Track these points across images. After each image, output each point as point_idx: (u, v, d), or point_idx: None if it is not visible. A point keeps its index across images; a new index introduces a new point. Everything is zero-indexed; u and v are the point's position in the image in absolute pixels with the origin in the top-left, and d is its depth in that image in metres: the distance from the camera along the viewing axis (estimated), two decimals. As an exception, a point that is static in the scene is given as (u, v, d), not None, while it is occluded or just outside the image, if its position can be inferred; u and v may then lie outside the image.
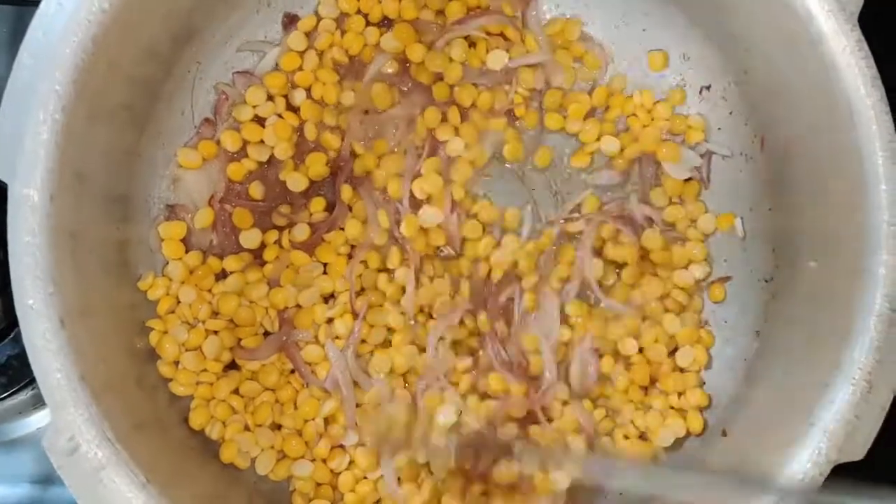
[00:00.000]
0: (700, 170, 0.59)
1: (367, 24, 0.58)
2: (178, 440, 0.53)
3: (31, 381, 0.56)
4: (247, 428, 0.55)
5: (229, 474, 0.54)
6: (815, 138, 0.51)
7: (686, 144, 0.59)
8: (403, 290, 0.56)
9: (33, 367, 0.44)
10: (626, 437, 0.56)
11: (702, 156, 0.59)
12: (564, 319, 0.57)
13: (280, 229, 0.57)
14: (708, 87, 0.59)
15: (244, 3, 0.57)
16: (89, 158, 0.48)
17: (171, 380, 0.54)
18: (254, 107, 0.57)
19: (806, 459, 0.46)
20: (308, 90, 0.58)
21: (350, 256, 0.57)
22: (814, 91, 0.49)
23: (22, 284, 0.44)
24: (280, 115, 0.57)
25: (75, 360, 0.45)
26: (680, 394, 0.57)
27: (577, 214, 0.59)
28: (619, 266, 0.58)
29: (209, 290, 0.55)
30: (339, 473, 0.55)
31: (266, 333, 0.56)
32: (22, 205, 0.45)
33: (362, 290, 0.57)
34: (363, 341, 0.56)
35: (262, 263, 0.57)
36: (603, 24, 0.60)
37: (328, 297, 0.57)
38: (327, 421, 0.55)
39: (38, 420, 0.60)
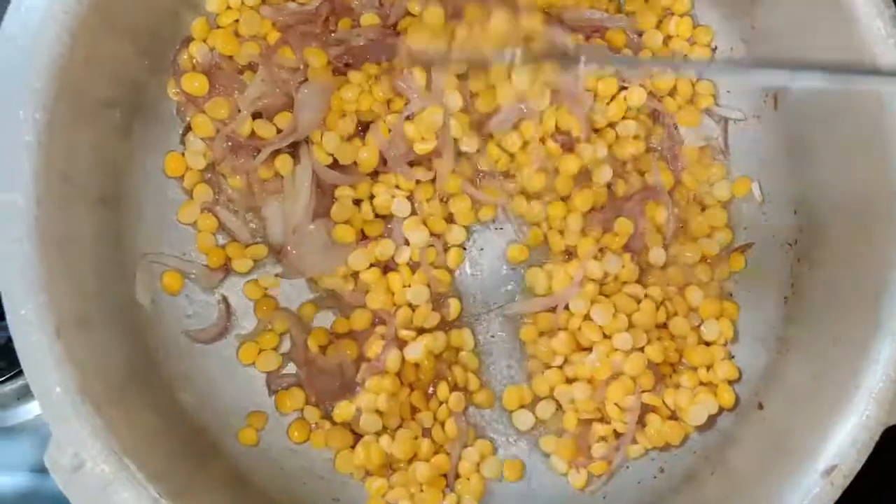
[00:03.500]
0: (717, 138, 0.57)
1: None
2: (191, 450, 0.50)
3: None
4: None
5: (244, 483, 0.52)
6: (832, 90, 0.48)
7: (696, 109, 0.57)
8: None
9: (29, 380, 0.42)
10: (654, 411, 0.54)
11: (717, 122, 0.57)
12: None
13: None
14: (714, 49, 0.57)
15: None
16: (75, 159, 0.46)
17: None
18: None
19: (854, 424, 0.44)
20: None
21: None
22: (829, 38, 0.47)
23: (12, 294, 0.42)
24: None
25: (73, 372, 0.42)
26: (708, 367, 0.55)
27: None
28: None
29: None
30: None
31: None
32: (7, 211, 0.42)
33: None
34: None
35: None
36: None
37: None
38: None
39: (37, 407, 0.55)
